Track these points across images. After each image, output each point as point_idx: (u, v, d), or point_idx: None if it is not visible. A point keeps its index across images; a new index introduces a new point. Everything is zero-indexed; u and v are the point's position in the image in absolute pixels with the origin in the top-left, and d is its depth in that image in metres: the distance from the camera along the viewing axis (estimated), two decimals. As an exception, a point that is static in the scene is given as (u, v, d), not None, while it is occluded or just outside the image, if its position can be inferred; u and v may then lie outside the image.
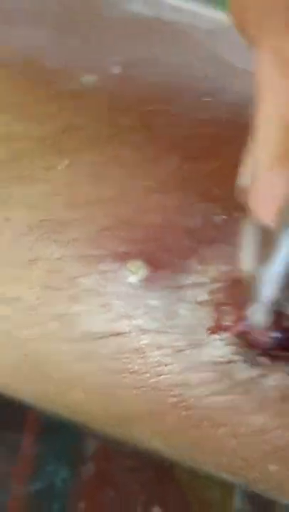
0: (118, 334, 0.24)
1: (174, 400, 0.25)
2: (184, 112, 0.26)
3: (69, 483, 0.32)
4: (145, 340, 0.24)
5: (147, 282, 0.24)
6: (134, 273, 0.24)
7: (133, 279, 0.24)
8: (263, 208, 0.20)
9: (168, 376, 0.25)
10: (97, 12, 0.29)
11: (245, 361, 0.24)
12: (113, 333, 0.25)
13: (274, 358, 0.24)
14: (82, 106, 0.26)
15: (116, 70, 0.26)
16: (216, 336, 0.24)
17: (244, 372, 0.24)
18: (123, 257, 0.24)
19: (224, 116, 0.26)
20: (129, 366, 0.25)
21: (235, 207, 0.24)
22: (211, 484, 0.32)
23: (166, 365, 0.25)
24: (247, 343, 0.24)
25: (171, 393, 0.25)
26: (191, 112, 0.26)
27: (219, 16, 0.31)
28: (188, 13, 0.30)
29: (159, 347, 0.24)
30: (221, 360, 0.24)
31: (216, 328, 0.24)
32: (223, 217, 0.24)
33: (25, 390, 0.28)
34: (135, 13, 0.29)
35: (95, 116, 0.26)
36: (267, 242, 0.21)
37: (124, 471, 0.32)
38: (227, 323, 0.24)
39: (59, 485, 0.32)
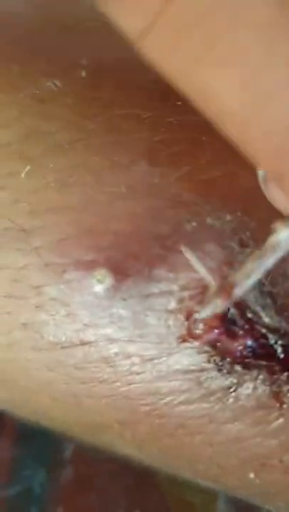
0: (85, 343, 0.24)
1: (147, 408, 0.24)
2: (155, 116, 0.25)
3: (47, 488, 0.31)
4: (114, 349, 0.24)
5: (114, 291, 0.23)
6: (100, 282, 0.23)
7: (99, 287, 0.23)
8: None
9: (139, 385, 0.24)
10: (71, 15, 0.29)
11: (217, 370, 0.24)
12: (80, 342, 0.24)
13: (247, 366, 0.23)
14: (47, 111, 0.25)
15: (84, 73, 0.26)
16: (187, 345, 0.24)
17: (217, 380, 0.24)
18: (89, 266, 0.23)
19: (197, 120, 0.25)
20: (99, 375, 0.24)
21: (206, 213, 0.24)
22: (192, 489, 0.32)
23: (137, 374, 0.24)
24: (219, 351, 0.23)
25: (143, 402, 0.24)
26: (162, 115, 0.25)
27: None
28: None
29: (129, 356, 0.24)
30: (193, 368, 0.24)
31: (187, 337, 0.23)
32: (194, 223, 0.23)
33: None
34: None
35: (60, 121, 0.25)
36: None
37: (104, 475, 0.32)
38: (198, 331, 0.23)
39: (36, 489, 0.31)
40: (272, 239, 0.21)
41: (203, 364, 0.23)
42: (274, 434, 0.24)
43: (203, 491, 0.32)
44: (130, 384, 0.24)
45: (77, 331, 0.24)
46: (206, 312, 0.23)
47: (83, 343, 0.24)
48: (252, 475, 0.25)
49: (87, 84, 0.26)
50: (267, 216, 0.23)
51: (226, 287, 0.22)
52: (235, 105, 0.17)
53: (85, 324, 0.24)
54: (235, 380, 0.23)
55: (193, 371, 0.24)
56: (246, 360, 0.23)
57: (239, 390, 0.23)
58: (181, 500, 0.32)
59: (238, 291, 0.22)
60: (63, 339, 0.24)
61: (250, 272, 0.21)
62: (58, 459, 0.32)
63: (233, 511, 0.32)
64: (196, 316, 0.23)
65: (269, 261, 0.21)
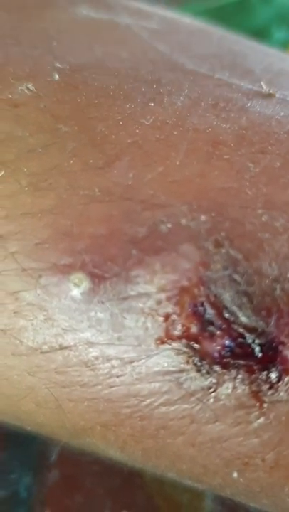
0: (64, 348, 0.24)
1: (128, 410, 0.24)
2: (129, 117, 0.25)
3: (33, 491, 0.31)
4: (93, 352, 0.24)
5: (91, 294, 0.23)
6: (77, 285, 0.23)
7: (76, 291, 0.23)
8: None
9: (120, 387, 0.24)
10: (42, 15, 0.28)
11: (197, 370, 0.24)
12: (59, 346, 0.24)
13: (226, 366, 0.23)
14: (20, 115, 0.25)
15: (57, 76, 0.26)
16: (166, 346, 0.24)
17: (196, 381, 0.24)
18: (65, 270, 0.23)
19: (170, 121, 0.25)
20: (79, 379, 0.24)
21: (181, 214, 0.24)
22: (180, 488, 0.32)
23: (117, 377, 0.24)
24: (198, 351, 0.23)
25: (125, 404, 0.24)
26: (136, 117, 0.25)
27: (170, 15, 0.30)
28: (139, 13, 0.29)
29: (108, 359, 0.24)
30: (173, 369, 0.24)
31: (165, 338, 0.23)
32: (169, 225, 0.23)
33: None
34: (84, 16, 0.28)
35: (33, 125, 0.25)
36: None
37: (90, 477, 0.32)
38: (176, 333, 0.23)
39: (23, 493, 0.31)
40: None
41: (182, 365, 0.23)
42: (255, 433, 0.24)
43: (191, 490, 0.32)
44: (111, 387, 0.24)
45: (56, 335, 0.24)
46: None
47: (62, 348, 0.24)
48: (235, 474, 0.25)
49: (62, 87, 0.26)
50: (241, 215, 0.23)
51: None
52: None
53: (63, 329, 0.24)
54: (214, 380, 0.23)
55: (172, 372, 0.24)
56: (225, 360, 0.23)
57: (219, 390, 0.23)
58: (170, 499, 0.32)
59: None
60: (43, 344, 0.24)
61: None
62: (45, 461, 0.32)
63: (220, 509, 0.32)
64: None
65: None
